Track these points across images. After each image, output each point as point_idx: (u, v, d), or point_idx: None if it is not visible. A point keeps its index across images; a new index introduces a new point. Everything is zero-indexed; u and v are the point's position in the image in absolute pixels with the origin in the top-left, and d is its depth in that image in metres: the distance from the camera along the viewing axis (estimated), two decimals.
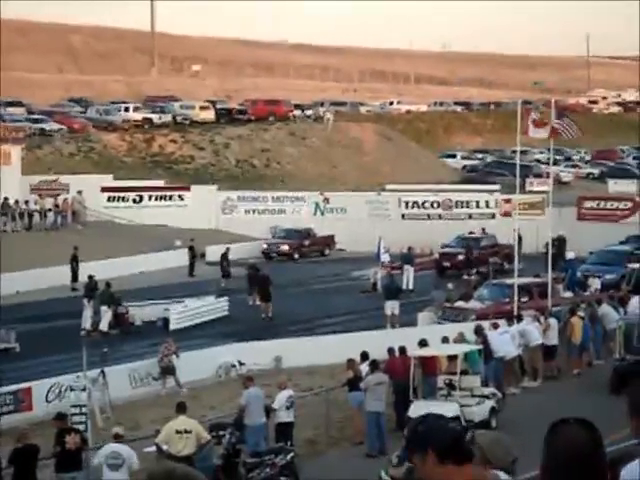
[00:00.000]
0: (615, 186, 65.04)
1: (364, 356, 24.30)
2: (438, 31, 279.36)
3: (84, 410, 22.26)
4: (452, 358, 23.62)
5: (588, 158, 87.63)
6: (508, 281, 35.65)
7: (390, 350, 24.54)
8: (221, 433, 19.74)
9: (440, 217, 55.63)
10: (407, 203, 56.48)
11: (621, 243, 46.21)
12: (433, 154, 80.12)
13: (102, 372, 25.56)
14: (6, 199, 50.39)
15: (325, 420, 23.33)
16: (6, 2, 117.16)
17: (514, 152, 50.14)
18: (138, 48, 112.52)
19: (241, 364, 29.86)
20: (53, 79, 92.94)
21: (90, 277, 38.05)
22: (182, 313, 36.84)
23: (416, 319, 34.63)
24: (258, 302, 39.31)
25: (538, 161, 73.62)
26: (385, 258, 42.91)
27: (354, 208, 56.28)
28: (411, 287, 42.72)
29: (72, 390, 23.17)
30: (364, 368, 23.47)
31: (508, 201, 51.00)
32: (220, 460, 19.45)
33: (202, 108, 75.23)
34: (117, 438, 18.38)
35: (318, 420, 23.67)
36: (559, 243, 45.57)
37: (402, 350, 24.22)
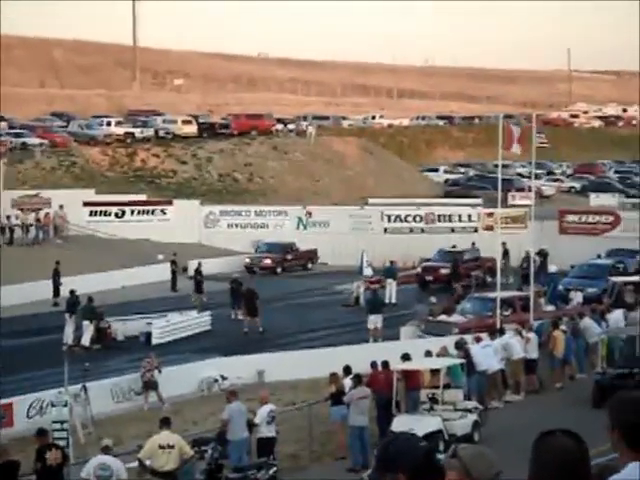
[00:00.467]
0: (597, 200, 65.31)
1: (347, 370, 24.28)
2: (420, 45, 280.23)
3: (65, 426, 22.15)
4: (435, 372, 23.62)
5: (570, 172, 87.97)
6: (491, 295, 35.69)
7: (373, 364, 24.53)
8: (203, 448, 19.66)
9: (423, 231, 55.70)
10: (390, 217, 56.55)
11: (598, 256, 46.37)
12: (415, 168, 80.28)
13: (84, 387, 25.45)
14: None
15: (308, 435, 23.27)
16: None
17: (496, 166, 50.35)
18: (120, 62, 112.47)
19: (223, 379, 29.78)
20: (35, 93, 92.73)
21: (72, 292, 37.91)
22: (164, 328, 36.74)
23: (399, 333, 34.64)
24: (241, 317, 39.28)
25: (520, 175, 73.86)
26: (368, 272, 42.94)
27: (337, 222, 56.31)
28: (394, 301, 42.73)
29: (53, 406, 23.04)
30: (347, 382, 23.44)
31: (490, 215, 51.15)
32: (203, 475, 19.38)
33: (184, 122, 75.22)
34: (106, 450, 18.34)
35: (301, 435, 23.62)
36: (542, 257, 45.77)
37: (385, 364, 24.21)
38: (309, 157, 72.49)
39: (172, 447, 18.61)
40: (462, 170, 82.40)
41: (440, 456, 4.67)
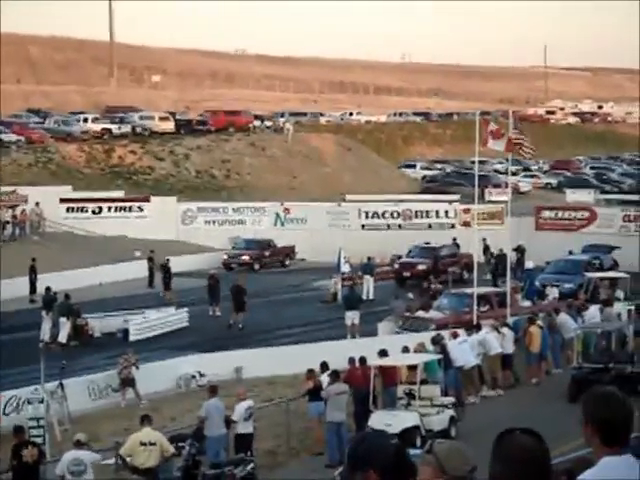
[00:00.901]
0: (573, 196, 65.58)
1: (324, 366, 24.31)
2: (397, 42, 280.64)
3: (42, 423, 22.07)
4: (412, 368, 23.68)
5: (546, 168, 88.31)
6: (467, 291, 35.79)
7: (351, 360, 24.57)
8: (181, 445, 19.64)
9: (400, 227, 55.81)
10: (367, 213, 56.62)
11: (570, 252, 46.58)
12: (393, 164, 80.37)
13: (61, 384, 25.35)
14: None
15: (285, 431, 23.28)
16: None
17: (473, 162, 50.50)
18: (97, 59, 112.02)
19: (201, 375, 29.76)
20: (11, 90, 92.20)
21: (48, 289, 37.76)
22: (142, 324, 36.67)
23: (376, 329, 34.69)
24: (219, 313, 39.41)
25: (497, 171, 74.14)
26: (345, 268, 42.98)
27: (314, 218, 56.32)
28: (371, 297, 42.80)
29: (30, 403, 22.95)
30: (324, 378, 23.47)
31: (467, 211, 51.29)
32: (180, 472, 19.36)
33: (162, 119, 75.00)
34: (78, 444, 18.29)
35: (278, 431, 23.63)
36: (519, 253, 45.97)
37: (362, 360, 24.25)
38: (287, 154, 72.46)
39: (154, 444, 18.61)
40: (439, 166, 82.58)
41: (417, 451, 4.70)
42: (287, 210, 57.25)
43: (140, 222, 55.61)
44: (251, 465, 19.74)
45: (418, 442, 21.14)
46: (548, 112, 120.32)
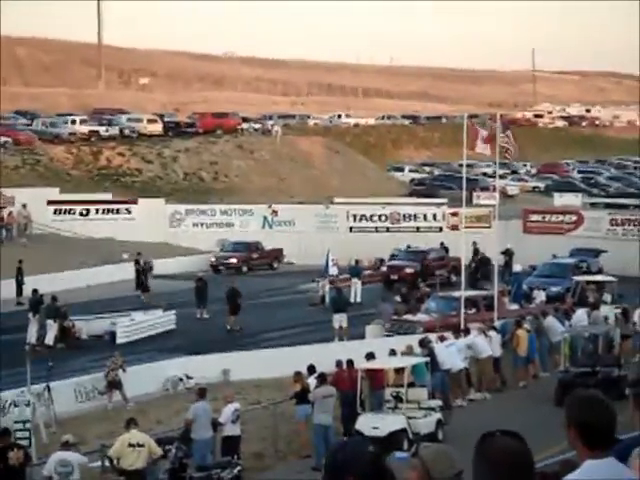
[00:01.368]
0: (560, 199, 65.73)
1: (311, 369, 24.30)
2: (386, 45, 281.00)
3: (28, 426, 22.00)
4: (399, 371, 23.69)
5: (534, 172, 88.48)
6: (455, 294, 35.83)
7: (338, 363, 24.58)
8: (167, 447, 19.61)
9: (388, 230, 55.84)
10: (355, 216, 56.64)
11: (554, 256, 46.50)
12: (381, 167, 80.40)
13: (47, 387, 25.29)
14: None
15: (272, 433, 23.27)
16: None
17: (461, 165, 50.54)
18: (85, 60, 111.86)
19: (188, 378, 29.72)
20: None
21: (35, 291, 37.65)
22: (129, 327, 36.59)
23: (364, 332, 34.70)
24: (206, 315, 39.44)
25: (485, 174, 74.19)
26: (333, 271, 42.99)
27: (302, 221, 56.31)
28: (359, 300, 42.80)
29: (16, 405, 22.89)
30: (312, 381, 23.46)
31: (455, 214, 51.32)
32: (166, 475, 19.32)
33: (150, 121, 74.89)
34: (65, 446, 18.27)
35: (266, 433, 23.60)
36: (507, 256, 46.06)
37: (350, 363, 24.26)
38: (275, 156, 72.43)
39: (142, 446, 18.63)
40: (427, 170, 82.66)
41: (404, 454, 4.70)
42: (275, 212, 57.24)
43: (128, 224, 55.49)
44: (238, 468, 19.72)
45: (405, 445, 21.15)
46: (536, 116, 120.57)
